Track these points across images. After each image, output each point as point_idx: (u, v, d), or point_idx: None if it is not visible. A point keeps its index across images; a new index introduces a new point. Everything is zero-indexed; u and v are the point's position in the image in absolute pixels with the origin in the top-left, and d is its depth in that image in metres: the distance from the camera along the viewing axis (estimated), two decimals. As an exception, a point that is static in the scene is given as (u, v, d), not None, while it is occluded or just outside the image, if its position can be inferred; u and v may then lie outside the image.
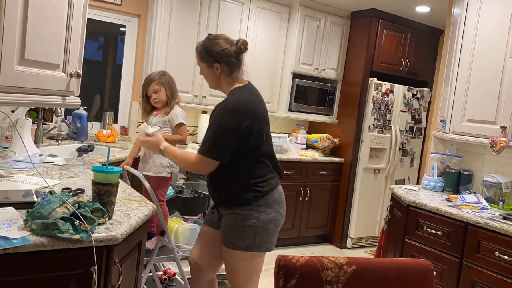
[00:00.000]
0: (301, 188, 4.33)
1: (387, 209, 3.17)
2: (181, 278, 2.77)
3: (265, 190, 2.03)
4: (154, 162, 2.74)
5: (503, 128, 2.60)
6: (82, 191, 1.76)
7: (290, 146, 4.49)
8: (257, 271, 2.13)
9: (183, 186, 3.63)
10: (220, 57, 2.06)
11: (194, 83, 3.97)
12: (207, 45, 2.08)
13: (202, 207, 3.91)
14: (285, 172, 4.19)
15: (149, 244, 2.49)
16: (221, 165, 2.00)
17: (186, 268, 3.09)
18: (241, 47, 2.09)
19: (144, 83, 2.80)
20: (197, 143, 4.21)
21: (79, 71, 1.87)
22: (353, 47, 4.65)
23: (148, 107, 2.83)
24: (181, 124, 2.74)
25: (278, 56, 4.45)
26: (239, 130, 1.94)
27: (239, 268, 2.07)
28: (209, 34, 2.17)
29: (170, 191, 3.47)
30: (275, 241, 2.16)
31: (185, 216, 3.72)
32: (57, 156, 2.52)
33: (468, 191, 2.98)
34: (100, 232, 1.38)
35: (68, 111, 3.61)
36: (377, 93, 4.49)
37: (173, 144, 2.32)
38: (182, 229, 3.19)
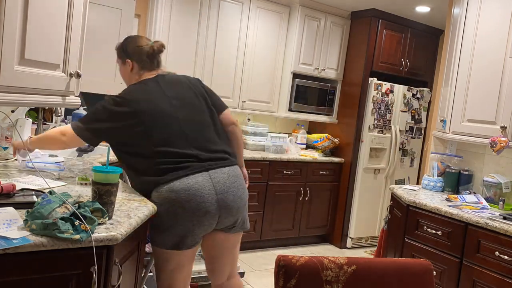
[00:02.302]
0: (301, 188, 4.33)
1: (387, 209, 3.17)
2: None
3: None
4: None
5: (503, 128, 2.60)
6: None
7: (290, 146, 4.49)
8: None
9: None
10: (132, 54, 2.08)
11: (194, 83, 3.97)
12: (123, 43, 2.13)
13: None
14: (285, 172, 4.20)
15: (147, 248, 2.49)
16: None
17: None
18: (154, 47, 2.09)
19: None
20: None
21: (79, 71, 1.87)
22: (353, 47, 4.65)
23: None
24: None
25: (278, 56, 4.45)
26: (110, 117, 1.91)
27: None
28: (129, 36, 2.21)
29: None
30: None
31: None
32: (57, 156, 2.52)
33: (468, 191, 2.98)
34: (100, 232, 1.38)
35: (68, 111, 3.61)
36: (377, 93, 4.49)
37: None
38: None
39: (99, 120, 1.92)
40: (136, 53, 2.07)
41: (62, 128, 1.99)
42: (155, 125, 1.92)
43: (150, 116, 1.92)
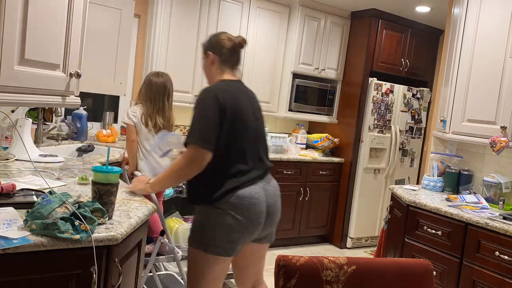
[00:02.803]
0: (301, 188, 4.33)
1: (387, 209, 3.17)
2: (181, 278, 2.77)
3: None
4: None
5: (503, 128, 2.60)
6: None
7: (290, 146, 4.49)
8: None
9: (183, 186, 3.63)
10: (213, 46, 2.08)
11: (194, 83, 3.98)
12: (208, 38, 2.17)
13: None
14: (285, 172, 4.20)
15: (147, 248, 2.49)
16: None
17: (186, 268, 3.09)
18: (235, 41, 2.07)
19: None
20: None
21: (79, 71, 1.87)
22: (353, 47, 4.65)
23: None
24: (126, 124, 2.75)
25: (278, 56, 4.45)
26: (215, 112, 1.86)
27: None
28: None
29: (170, 191, 3.47)
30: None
31: (185, 216, 3.72)
32: (57, 156, 2.52)
33: (468, 191, 2.98)
34: (100, 232, 1.38)
35: (68, 111, 3.61)
36: (377, 93, 4.49)
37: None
38: (182, 229, 3.20)
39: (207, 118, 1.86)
40: (218, 46, 2.06)
41: (181, 160, 1.87)
42: (237, 129, 1.91)
43: (234, 119, 1.90)
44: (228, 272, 3.25)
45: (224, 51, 2.05)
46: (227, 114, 1.87)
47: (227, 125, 1.87)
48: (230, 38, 2.07)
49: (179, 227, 3.22)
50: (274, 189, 2.04)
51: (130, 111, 2.83)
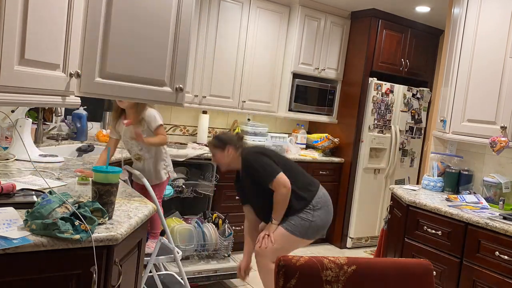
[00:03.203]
0: (301, 188, 4.33)
1: (387, 209, 3.17)
2: (181, 278, 2.77)
3: None
4: (153, 170, 2.74)
5: (503, 128, 2.60)
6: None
7: (290, 146, 4.49)
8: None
9: (183, 186, 3.64)
10: (229, 142, 2.69)
11: (194, 83, 3.97)
12: (220, 136, 2.77)
13: (202, 207, 3.91)
14: (285, 172, 4.19)
15: (147, 248, 2.49)
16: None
17: (186, 268, 3.09)
18: (239, 136, 2.77)
19: None
20: (197, 143, 4.21)
21: (79, 71, 1.87)
22: (353, 47, 4.65)
23: (118, 110, 2.74)
24: (160, 126, 2.70)
25: (278, 56, 4.45)
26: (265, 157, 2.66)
27: None
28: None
29: (170, 191, 3.47)
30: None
31: (185, 216, 3.72)
32: (57, 156, 2.52)
33: (468, 191, 2.98)
34: (100, 232, 1.38)
35: (68, 111, 3.61)
36: (377, 93, 4.49)
37: (156, 146, 2.65)
38: (179, 229, 3.20)
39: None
40: (232, 142, 2.70)
41: (280, 189, 2.55)
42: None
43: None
44: (228, 272, 3.26)
45: (236, 142, 2.72)
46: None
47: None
48: (238, 134, 2.87)
49: (176, 226, 3.21)
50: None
51: (155, 112, 2.75)
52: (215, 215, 3.58)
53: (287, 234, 2.58)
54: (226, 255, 3.36)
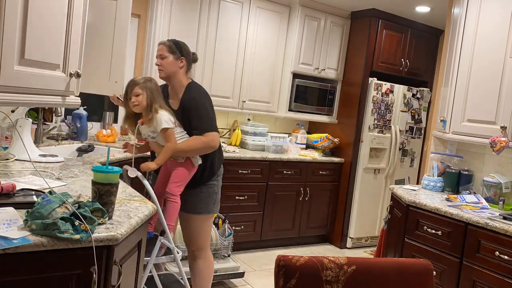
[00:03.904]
0: (301, 188, 4.33)
1: (387, 209, 3.17)
2: (181, 278, 2.77)
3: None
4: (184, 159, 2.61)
5: (503, 128, 2.60)
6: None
7: (290, 146, 4.49)
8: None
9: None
10: (186, 55, 2.57)
11: (194, 83, 3.97)
12: (179, 42, 2.60)
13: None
14: (284, 172, 4.20)
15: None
16: None
17: (186, 268, 3.09)
18: (196, 57, 2.68)
19: (127, 85, 2.58)
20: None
21: (79, 71, 1.87)
22: (353, 47, 4.65)
23: (131, 112, 2.59)
24: (165, 130, 2.48)
25: (278, 56, 4.45)
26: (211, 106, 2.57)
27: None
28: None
29: None
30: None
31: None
32: (57, 156, 2.52)
33: (468, 191, 2.98)
34: (100, 232, 1.38)
35: (68, 111, 3.61)
36: (377, 93, 4.49)
37: (167, 156, 2.50)
38: (180, 229, 3.18)
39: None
40: (188, 56, 2.59)
41: (208, 142, 2.46)
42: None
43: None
44: (228, 272, 3.27)
45: (190, 60, 2.62)
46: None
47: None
48: (193, 55, 2.67)
49: (177, 226, 3.20)
50: None
51: (164, 115, 2.50)
52: (215, 215, 3.58)
53: (205, 217, 2.66)
54: (226, 255, 3.36)
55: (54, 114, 3.43)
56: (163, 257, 2.57)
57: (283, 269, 1.28)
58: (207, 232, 2.70)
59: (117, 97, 2.77)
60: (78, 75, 1.86)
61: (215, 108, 4.09)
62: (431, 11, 4.32)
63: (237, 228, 3.93)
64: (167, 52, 2.54)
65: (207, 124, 2.46)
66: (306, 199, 4.40)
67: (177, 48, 2.54)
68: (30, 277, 1.28)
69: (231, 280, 3.44)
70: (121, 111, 4.11)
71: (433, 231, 2.59)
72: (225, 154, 3.85)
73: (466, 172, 3.05)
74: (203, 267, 2.69)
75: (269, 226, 4.19)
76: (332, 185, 4.60)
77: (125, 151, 2.76)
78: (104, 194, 1.50)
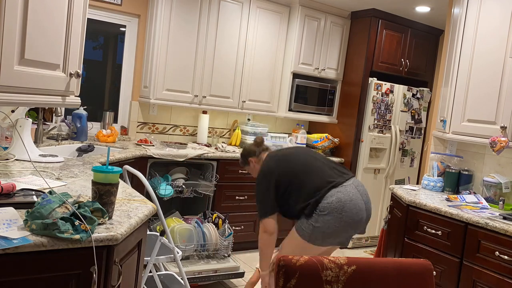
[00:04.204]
0: (301, 188, 4.33)
1: (387, 209, 3.17)
2: (181, 278, 2.77)
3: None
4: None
5: (503, 128, 2.60)
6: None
7: (290, 146, 4.49)
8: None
9: (183, 186, 3.64)
10: (248, 154, 2.78)
11: (194, 83, 3.98)
12: (242, 154, 2.82)
13: (202, 207, 3.91)
14: (285, 172, 4.19)
15: None
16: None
17: (186, 268, 3.09)
18: (257, 141, 2.79)
19: None
20: (197, 143, 4.21)
21: (79, 71, 1.87)
22: (353, 47, 4.65)
23: None
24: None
25: (278, 56, 4.45)
26: (268, 186, 2.54)
27: None
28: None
29: (170, 191, 3.48)
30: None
31: (185, 216, 3.72)
32: (57, 156, 2.52)
33: (468, 191, 2.98)
34: (100, 232, 1.38)
35: (68, 111, 3.61)
36: (377, 93, 4.49)
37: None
38: (179, 229, 3.19)
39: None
40: (251, 153, 2.77)
41: (261, 232, 2.58)
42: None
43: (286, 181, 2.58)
44: (228, 272, 3.26)
45: (254, 150, 2.77)
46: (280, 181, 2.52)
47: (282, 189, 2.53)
48: (255, 141, 2.81)
49: (176, 226, 3.21)
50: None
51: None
52: (215, 215, 3.58)
53: (296, 235, 2.48)
54: (226, 255, 3.36)
55: (54, 114, 3.43)
56: (163, 257, 2.57)
57: (283, 269, 1.28)
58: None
59: None
60: (78, 75, 1.86)
61: (215, 108, 4.13)
62: (431, 11, 4.32)
63: (237, 228, 3.92)
64: (244, 167, 2.87)
65: (260, 209, 2.58)
66: (306, 199, 4.39)
67: (244, 159, 2.80)
68: (30, 277, 1.28)
69: (231, 280, 3.44)
70: (121, 111, 4.11)
71: (433, 231, 2.59)
72: (225, 154, 3.85)
73: (466, 172, 3.05)
74: None
75: (269, 226, 4.18)
76: (332, 185, 4.60)
77: None
78: (104, 194, 1.50)
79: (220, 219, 3.49)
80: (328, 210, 2.34)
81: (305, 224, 2.42)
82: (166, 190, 3.49)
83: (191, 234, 3.22)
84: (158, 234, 2.49)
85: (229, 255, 3.39)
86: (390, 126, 4.64)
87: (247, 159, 2.78)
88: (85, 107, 3.60)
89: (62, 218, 1.33)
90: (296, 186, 2.46)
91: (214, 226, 3.37)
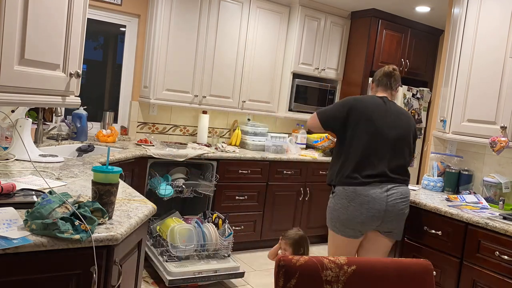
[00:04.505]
0: (301, 188, 4.33)
1: (387, 209, 3.16)
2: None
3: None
4: None
5: (503, 128, 2.60)
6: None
7: (290, 146, 4.49)
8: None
9: (183, 186, 3.64)
10: (374, 76, 2.74)
11: (194, 83, 3.98)
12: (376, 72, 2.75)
13: (202, 207, 3.91)
14: (284, 172, 4.20)
15: None
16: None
17: (186, 268, 3.09)
18: (391, 71, 2.65)
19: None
20: (197, 143, 4.21)
21: (79, 71, 1.87)
22: (353, 47, 4.65)
23: None
24: None
25: (278, 56, 4.45)
26: (342, 112, 2.54)
27: None
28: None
29: (170, 191, 3.48)
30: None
31: (185, 216, 3.72)
32: (57, 156, 2.52)
33: (468, 191, 2.98)
34: (100, 232, 1.38)
35: (68, 111, 3.61)
36: (377, 93, 4.48)
37: None
38: (179, 229, 3.19)
39: None
40: (377, 75, 2.69)
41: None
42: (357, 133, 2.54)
43: (356, 123, 2.53)
44: (228, 272, 3.26)
45: (377, 78, 2.69)
46: (352, 117, 2.50)
47: (352, 126, 2.51)
48: (384, 68, 2.68)
49: (176, 226, 3.20)
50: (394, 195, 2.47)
51: None
52: (215, 215, 3.58)
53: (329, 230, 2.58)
54: (226, 255, 3.36)
55: (54, 114, 3.43)
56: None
57: (283, 269, 1.28)
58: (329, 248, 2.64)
59: None
60: (78, 75, 1.86)
61: (215, 108, 4.13)
62: (431, 11, 4.32)
63: (237, 228, 3.92)
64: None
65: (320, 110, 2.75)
66: (306, 199, 4.40)
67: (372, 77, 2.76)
68: (30, 277, 1.28)
69: (231, 280, 3.44)
70: (121, 111, 4.11)
71: (433, 231, 2.59)
72: (225, 154, 3.85)
73: (466, 172, 3.05)
74: None
75: (269, 226, 4.19)
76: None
77: None
78: (104, 194, 1.50)
79: (220, 219, 3.48)
80: (350, 197, 2.42)
81: (327, 211, 2.56)
82: (166, 190, 3.49)
83: (191, 234, 3.22)
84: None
85: (229, 255, 3.38)
86: (390, 126, 4.63)
87: (372, 80, 2.76)
88: (85, 107, 3.60)
89: (62, 218, 1.33)
90: (362, 147, 2.44)
91: (214, 226, 3.36)
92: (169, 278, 2.99)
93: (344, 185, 2.45)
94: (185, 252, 3.18)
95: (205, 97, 4.04)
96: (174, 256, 3.17)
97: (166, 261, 3.13)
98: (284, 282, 1.28)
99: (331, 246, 2.59)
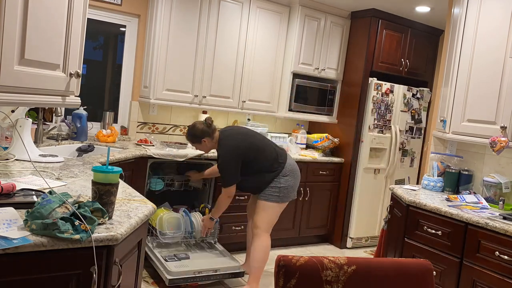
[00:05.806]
0: (301, 188, 4.33)
1: (387, 209, 3.17)
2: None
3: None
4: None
5: (503, 128, 2.60)
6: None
7: (290, 146, 4.49)
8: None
9: (173, 180, 3.73)
10: (202, 134, 3.12)
11: (194, 83, 3.98)
12: (191, 132, 3.16)
13: (190, 200, 3.99)
14: (285, 172, 4.19)
15: None
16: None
17: (186, 268, 3.09)
18: (207, 122, 3.13)
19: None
20: (197, 143, 4.21)
21: (79, 71, 1.87)
22: (353, 47, 4.65)
23: None
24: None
25: (278, 56, 4.45)
26: (237, 160, 3.06)
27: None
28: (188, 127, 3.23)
29: (160, 185, 3.59)
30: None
31: (174, 206, 3.79)
32: (57, 156, 2.52)
33: (468, 191, 2.98)
34: (100, 232, 1.38)
35: (68, 111, 3.61)
36: (377, 93, 4.49)
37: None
38: (167, 218, 3.38)
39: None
40: (205, 133, 3.11)
41: (224, 196, 3.14)
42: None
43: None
44: (228, 272, 3.26)
45: (207, 130, 3.13)
46: (242, 150, 3.08)
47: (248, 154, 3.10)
48: (205, 123, 3.14)
49: (164, 215, 3.38)
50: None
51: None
52: (202, 205, 3.75)
53: (269, 205, 3.12)
54: (213, 242, 3.58)
55: (54, 114, 3.43)
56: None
57: (283, 269, 1.28)
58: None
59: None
60: (78, 75, 1.86)
61: (215, 108, 4.13)
62: (431, 11, 4.32)
63: (237, 228, 3.92)
64: (192, 143, 3.20)
65: (225, 178, 3.10)
66: (306, 199, 4.40)
67: (197, 139, 3.12)
68: (30, 277, 1.28)
69: (231, 279, 3.44)
70: (121, 111, 4.11)
71: (433, 231, 2.59)
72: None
73: (466, 172, 3.05)
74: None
75: (269, 226, 4.18)
76: (332, 185, 4.60)
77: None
78: (104, 194, 1.50)
79: (207, 208, 3.65)
80: (288, 172, 3.13)
81: (270, 191, 3.11)
82: (157, 184, 3.60)
83: (179, 223, 3.40)
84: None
85: (215, 242, 3.61)
86: (390, 126, 4.64)
87: (200, 139, 3.12)
88: (85, 107, 3.60)
89: (62, 218, 1.33)
90: (262, 157, 3.09)
91: (201, 214, 3.53)
92: (169, 277, 2.99)
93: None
94: (173, 239, 3.34)
95: (205, 97, 4.04)
96: (162, 243, 3.37)
97: (166, 261, 3.13)
98: (284, 282, 1.28)
99: (271, 215, 3.17)
